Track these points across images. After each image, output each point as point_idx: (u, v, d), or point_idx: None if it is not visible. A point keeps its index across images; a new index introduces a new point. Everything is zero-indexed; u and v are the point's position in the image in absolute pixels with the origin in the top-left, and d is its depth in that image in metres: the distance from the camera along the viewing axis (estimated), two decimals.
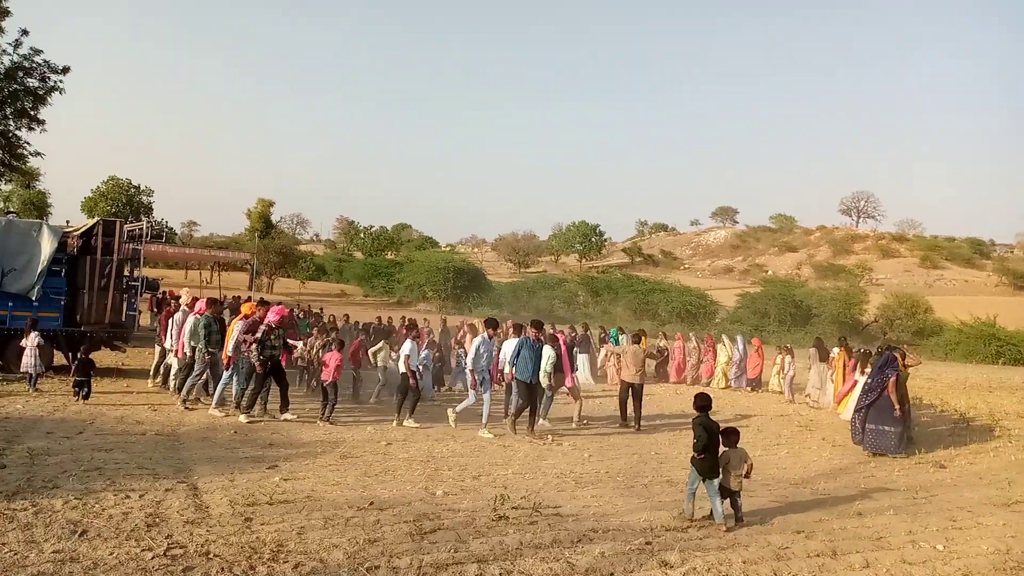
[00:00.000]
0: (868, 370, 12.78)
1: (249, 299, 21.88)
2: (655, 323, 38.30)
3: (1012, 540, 6.76)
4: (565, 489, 8.25)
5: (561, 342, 12.98)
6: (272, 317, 11.53)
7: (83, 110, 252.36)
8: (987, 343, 35.41)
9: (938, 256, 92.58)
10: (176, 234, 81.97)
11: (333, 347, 12.02)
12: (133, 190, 66.67)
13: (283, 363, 12.34)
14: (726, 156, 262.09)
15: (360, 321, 21.11)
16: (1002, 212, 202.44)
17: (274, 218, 76.10)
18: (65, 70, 28.04)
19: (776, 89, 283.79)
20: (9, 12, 27.00)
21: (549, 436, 11.38)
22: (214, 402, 11.76)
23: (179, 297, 14.30)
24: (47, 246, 14.20)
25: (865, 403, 11.37)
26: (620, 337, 20.37)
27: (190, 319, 12.20)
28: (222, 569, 5.19)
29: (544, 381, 11.63)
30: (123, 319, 15.79)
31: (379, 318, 21.77)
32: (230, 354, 11.70)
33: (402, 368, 11.83)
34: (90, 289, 14.58)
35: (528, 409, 11.43)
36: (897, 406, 10.92)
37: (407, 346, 11.87)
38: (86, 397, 11.90)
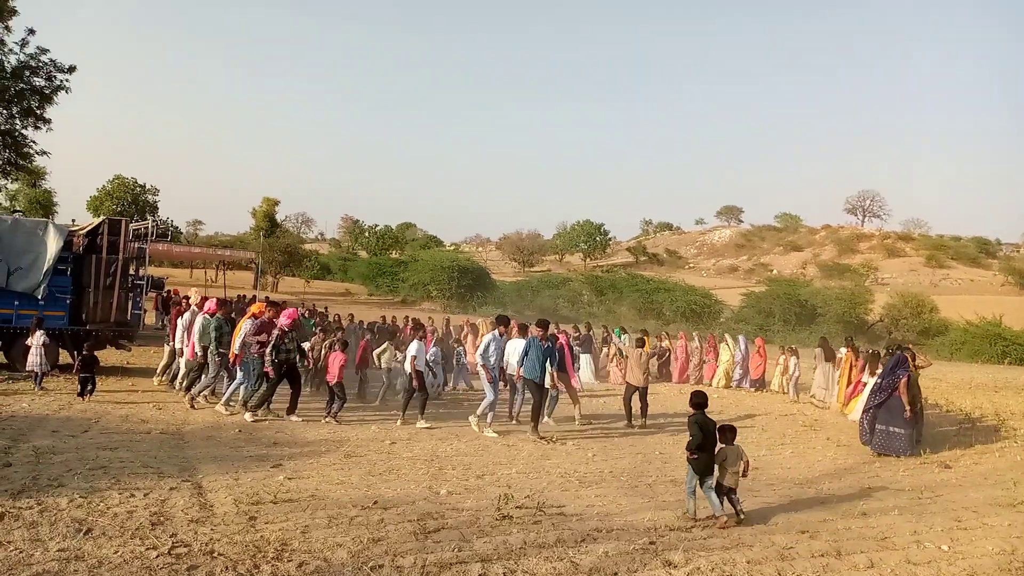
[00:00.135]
0: (879, 370, 12.74)
1: (255, 298, 21.94)
2: (660, 322, 38.27)
3: (1017, 540, 6.73)
4: (569, 488, 8.25)
5: (563, 342, 12.98)
6: (284, 321, 11.57)
7: (89, 109, 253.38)
8: (993, 343, 35.33)
9: (944, 255, 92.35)
10: (181, 233, 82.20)
11: (337, 347, 12.03)
12: (139, 189, 66.78)
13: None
14: (731, 155, 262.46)
15: (364, 320, 21.12)
16: (1008, 211, 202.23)
17: (279, 217, 76.00)
18: (71, 69, 28.10)
19: (782, 88, 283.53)
20: (16, 12, 27.08)
21: (554, 436, 11.38)
22: (223, 400, 11.81)
23: (188, 297, 14.33)
24: (53, 245, 14.23)
25: (874, 403, 11.31)
26: (622, 337, 20.38)
27: (199, 319, 12.22)
28: (226, 568, 5.20)
29: (547, 381, 11.62)
30: (128, 318, 15.82)
31: (383, 317, 21.79)
32: (236, 352, 11.75)
33: (408, 368, 11.84)
34: (96, 288, 14.61)
35: (532, 409, 11.42)
36: (908, 407, 10.89)
37: (414, 346, 11.86)
38: (90, 393, 11.96)
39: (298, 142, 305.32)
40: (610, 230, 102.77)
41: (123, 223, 15.37)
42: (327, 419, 11.48)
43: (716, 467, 7.15)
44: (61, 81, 28.00)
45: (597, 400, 15.43)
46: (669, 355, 19.84)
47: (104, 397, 12.24)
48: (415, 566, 5.42)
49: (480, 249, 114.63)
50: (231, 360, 11.92)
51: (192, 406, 11.80)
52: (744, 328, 34.14)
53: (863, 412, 11.72)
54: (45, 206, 58.23)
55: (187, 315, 12.82)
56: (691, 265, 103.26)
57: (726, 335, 20.64)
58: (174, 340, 13.48)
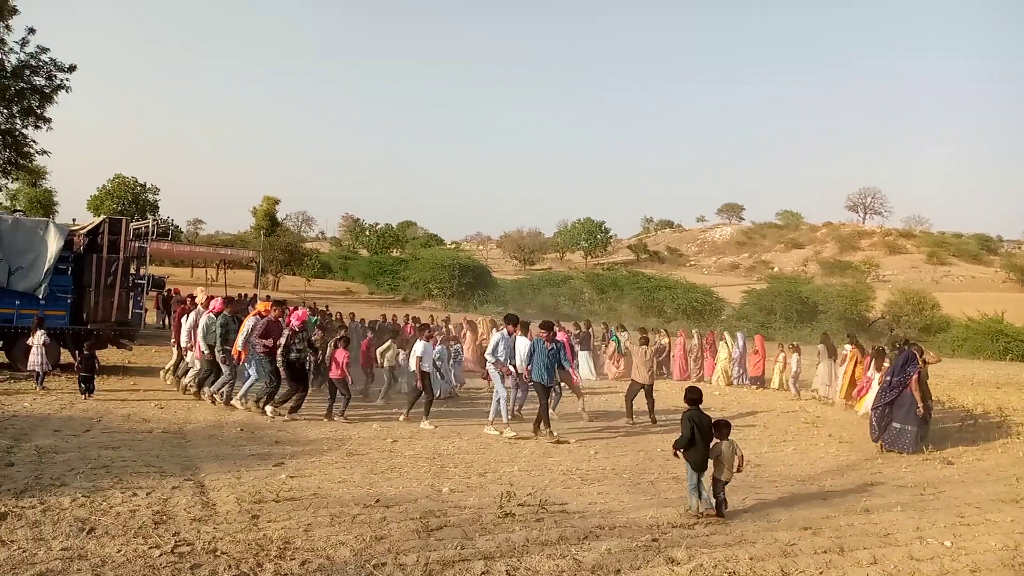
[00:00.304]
0: (885, 366, 12.72)
1: (255, 297, 21.96)
2: (661, 320, 38.23)
3: (1020, 536, 6.74)
4: (571, 486, 8.24)
5: (564, 340, 12.97)
6: (295, 322, 11.66)
7: (89, 108, 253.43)
8: (994, 339, 35.32)
9: (945, 252, 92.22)
10: (182, 232, 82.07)
11: (340, 344, 12.03)
12: (139, 188, 66.60)
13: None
14: (733, 153, 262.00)
15: (365, 319, 21.12)
16: (1010, 208, 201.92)
17: (280, 216, 75.90)
18: (72, 68, 28.14)
19: (783, 85, 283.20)
20: (17, 11, 27.08)
21: (555, 433, 11.36)
22: (238, 396, 11.92)
23: (194, 296, 14.34)
24: (53, 244, 14.23)
25: (885, 400, 11.28)
26: (618, 335, 20.38)
27: (203, 318, 12.23)
28: (229, 566, 5.20)
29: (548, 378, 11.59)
30: (129, 317, 15.83)
31: (383, 315, 21.78)
32: (240, 349, 11.77)
33: (413, 367, 11.83)
34: (96, 287, 14.63)
35: (539, 410, 11.37)
36: (920, 404, 10.89)
37: (419, 347, 11.84)
38: (89, 392, 11.97)
39: (299, 141, 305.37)
40: (611, 228, 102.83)
41: (124, 222, 15.39)
42: (339, 418, 11.52)
43: (711, 462, 7.18)
44: (61, 80, 28.06)
45: (598, 398, 15.43)
46: (668, 352, 19.85)
47: (106, 396, 12.25)
48: (418, 564, 5.42)
49: (481, 247, 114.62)
50: (236, 359, 11.95)
51: (227, 405, 11.92)
52: (746, 325, 34.12)
53: (872, 409, 11.67)
54: (46, 205, 58.25)
55: (192, 314, 12.83)
56: (692, 263, 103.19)
57: (725, 332, 20.64)
58: (178, 339, 13.50)
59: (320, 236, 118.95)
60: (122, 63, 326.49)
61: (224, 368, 12.01)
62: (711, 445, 7.21)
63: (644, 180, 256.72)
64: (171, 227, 63.80)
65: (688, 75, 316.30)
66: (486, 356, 11.87)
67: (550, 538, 6.15)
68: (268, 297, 19.20)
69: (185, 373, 13.23)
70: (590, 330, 20.85)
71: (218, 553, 5.45)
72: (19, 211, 29.97)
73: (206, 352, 12.13)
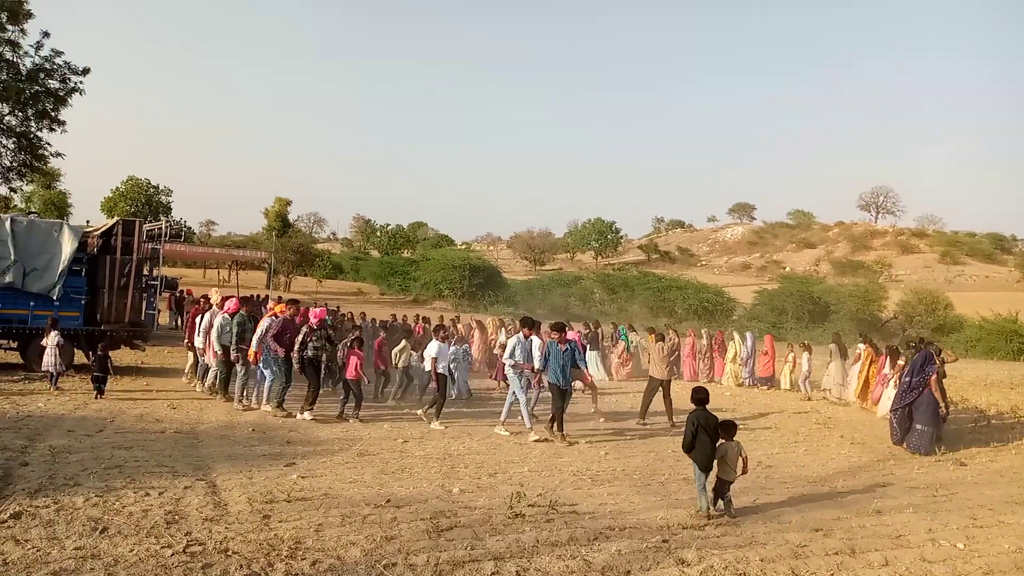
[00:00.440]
0: (900, 364, 12.65)
1: (267, 298, 22.04)
2: (672, 320, 38.13)
3: None
4: (581, 487, 8.24)
5: (576, 339, 12.93)
6: (313, 320, 11.76)
7: (103, 110, 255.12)
8: (1008, 339, 35.02)
9: (958, 252, 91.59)
10: (195, 233, 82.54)
11: (355, 345, 12.05)
12: (152, 190, 67.09)
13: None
14: (744, 152, 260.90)
15: (376, 319, 21.18)
16: None
17: (291, 217, 76.17)
18: (85, 71, 28.30)
19: (794, 84, 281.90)
20: (31, 15, 27.30)
21: (566, 435, 11.33)
22: (265, 399, 12.02)
23: (208, 296, 14.42)
24: (68, 246, 14.35)
25: (905, 402, 11.21)
26: (628, 335, 20.36)
27: (218, 318, 12.30)
28: (240, 566, 5.23)
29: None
30: (142, 318, 15.92)
31: (393, 315, 21.84)
32: (255, 349, 11.84)
33: (428, 367, 11.84)
34: (110, 288, 14.73)
35: (553, 412, 11.32)
36: (942, 403, 10.86)
37: (433, 347, 11.85)
38: (101, 392, 12.08)
39: (310, 142, 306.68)
40: (621, 228, 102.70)
41: (137, 224, 15.50)
42: (353, 419, 11.56)
43: (716, 463, 7.17)
44: (75, 83, 28.22)
45: (608, 398, 15.41)
46: (677, 353, 19.79)
47: (119, 396, 12.34)
48: (428, 564, 5.43)
49: (491, 248, 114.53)
50: (252, 359, 12.01)
51: (241, 407, 11.98)
52: (757, 326, 34.01)
53: (892, 411, 11.59)
54: (60, 207, 58.64)
55: (207, 315, 12.89)
56: (703, 263, 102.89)
57: (735, 332, 20.57)
58: (191, 339, 13.58)
59: (332, 237, 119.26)
60: (134, 64, 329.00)
61: (238, 368, 12.09)
62: (717, 445, 7.21)
63: (655, 180, 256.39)
64: (184, 228, 64.25)
65: (698, 75, 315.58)
66: (504, 360, 11.81)
67: (560, 539, 6.15)
68: (280, 298, 19.28)
69: (205, 374, 13.32)
70: (599, 330, 20.85)
71: (229, 553, 5.48)
72: (34, 213, 30.23)
73: (219, 352, 12.20)
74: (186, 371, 14.53)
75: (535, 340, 11.86)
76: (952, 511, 7.64)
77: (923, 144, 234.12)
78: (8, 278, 13.87)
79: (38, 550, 5.31)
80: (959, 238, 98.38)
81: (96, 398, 11.98)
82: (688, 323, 34.64)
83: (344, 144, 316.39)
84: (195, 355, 13.89)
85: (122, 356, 16.28)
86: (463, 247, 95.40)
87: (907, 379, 11.45)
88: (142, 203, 64.30)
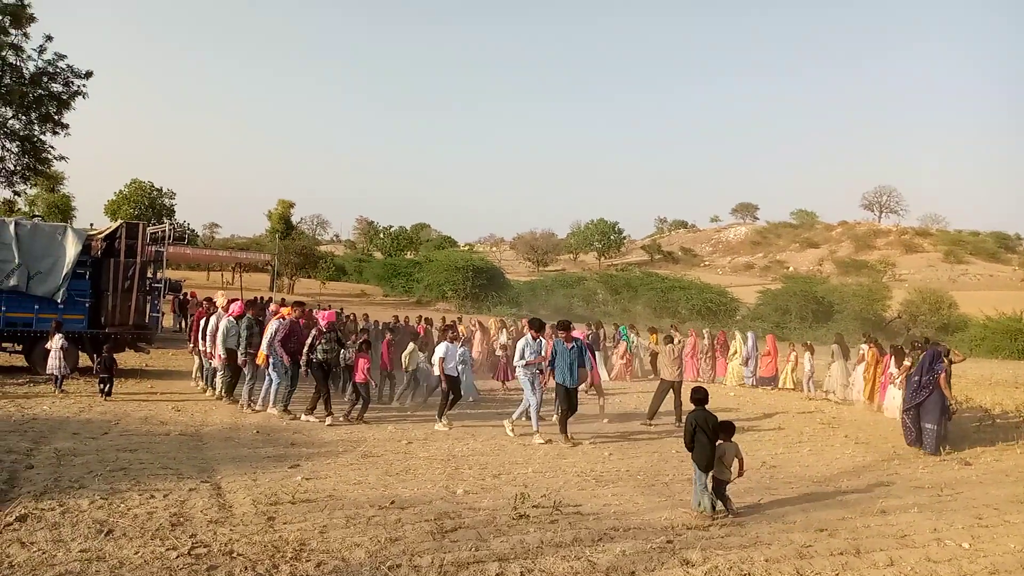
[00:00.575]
0: (905, 364, 12.63)
1: (271, 300, 22.05)
2: (675, 321, 38.11)
3: None
4: (586, 487, 8.24)
5: (583, 339, 12.90)
6: (322, 322, 11.79)
7: (106, 113, 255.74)
8: (1013, 339, 34.86)
9: (962, 251, 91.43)
10: (198, 236, 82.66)
11: (363, 348, 12.03)
12: (155, 193, 67.23)
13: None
14: (747, 152, 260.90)
15: (380, 320, 21.17)
16: None
17: (294, 219, 76.41)
18: (88, 75, 28.40)
19: (798, 83, 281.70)
20: (34, 18, 27.39)
21: (571, 437, 11.32)
22: (271, 401, 11.97)
23: (213, 299, 14.43)
24: (72, 249, 14.39)
25: (916, 402, 11.18)
26: (630, 335, 20.34)
27: (223, 322, 12.31)
28: (245, 568, 5.24)
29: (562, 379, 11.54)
30: (147, 321, 15.94)
31: (396, 317, 21.82)
32: (265, 353, 11.85)
33: (436, 370, 11.83)
34: (114, 291, 14.77)
35: (560, 413, 11.29)
36: (952, 402, 10.88)
37: (441, 348, 11.83)
38: (108, 394, 12.10)
39: (313, 144, 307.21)
40: (624, 228, 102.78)
41: (140, 227, 15.55)
42: (355, 420, 11.57)
43: (715, 463, 7.18)
44: (78, 87, 28.31)
45: (612, 398, 15.39)
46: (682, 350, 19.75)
47: (123, 399, 12.37)
48: (432, 566, 5.44)
49: (494, 249, 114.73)
50: (262, 363, 12.01)
51: (253, 409, 11.98)
52: (760, 326, 33.94)
53: (904, 412, 11.56)
54: (63, 211, 58.86)
55: (213, 318, 12.90)
56: (706, 263, 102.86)
57: (736, 331, 20.55)
58: (195, 343, 13.59)
59: (335, 239, 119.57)
60: (137, 67, 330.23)
61: (245, 371, 12.10)
62: (716, 445, 7.21)
63: (657, 181, 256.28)
64: (187, 231, 64.45)
65: (702, 74, 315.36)
66: (515, 363, 11.77)
67: (564, 540, 6.15)
68: (283, 301, 19.30)
69: (212, 377, 13.35)
70: (600, 331, 20.84)
71: (234, 555, 5.50)
72: (38, 216, 30.27)
73: (223, 355, 12.21)
74: (193, 374, 14.55)
75: (543, 342, 11.84)
76: (957, 511, 7.62)
77: (926, 143, 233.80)
78: (12, 281, 13.91)
79: (43, 553, 5.33)
80: (963, 237, 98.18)
81: (103, 399, 12.01)
82: (691, 323, 34.59)
83: (345, 144, 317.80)
84: (199, 358, 13.91)
85: (127, 359, 16.31)
86: (466, 248, 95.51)
87: (916, 378, 11.41)
88: (145, 206, 64.44)
